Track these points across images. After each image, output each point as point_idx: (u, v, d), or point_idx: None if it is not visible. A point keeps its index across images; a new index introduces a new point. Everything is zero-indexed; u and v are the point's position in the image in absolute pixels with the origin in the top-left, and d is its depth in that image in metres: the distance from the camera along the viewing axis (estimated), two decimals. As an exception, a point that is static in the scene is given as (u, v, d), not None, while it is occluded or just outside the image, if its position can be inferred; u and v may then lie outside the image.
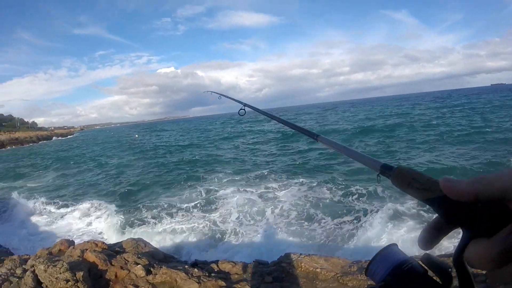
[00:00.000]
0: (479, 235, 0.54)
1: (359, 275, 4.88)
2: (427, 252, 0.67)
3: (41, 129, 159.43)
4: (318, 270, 5.30)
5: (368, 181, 13.02)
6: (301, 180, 14.52)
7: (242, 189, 13.68)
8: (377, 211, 10.22)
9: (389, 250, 0.74)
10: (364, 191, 12.13)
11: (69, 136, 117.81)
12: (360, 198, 11.60)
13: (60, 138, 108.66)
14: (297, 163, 18.74)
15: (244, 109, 2.60)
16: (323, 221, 10.03)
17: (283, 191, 13.15)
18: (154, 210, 12.24)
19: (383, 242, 8.42)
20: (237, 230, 9.79)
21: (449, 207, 0.58)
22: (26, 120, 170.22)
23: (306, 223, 9.96)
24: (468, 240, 0.55)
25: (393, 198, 10.93)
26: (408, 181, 0.69)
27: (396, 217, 9.67)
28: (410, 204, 10.18)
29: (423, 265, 0.68)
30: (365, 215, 10.16)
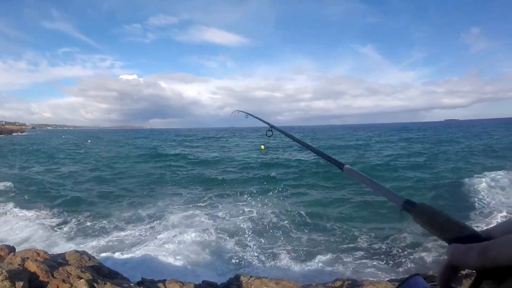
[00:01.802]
0: (491, 277, 0.59)
1: (310, 298, 4.90)
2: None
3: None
4: None
5: (318, 205, 13.30)
6: (249, 199, 14.65)
7: (192, 208, 13.52)
8: (335, 235, 10.47)
9: (414, 280, 0.76)
10: (315, 215, 12.37)
11: (15, 134, 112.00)
12: (313, 220, 11.81)
13: (7, 135, 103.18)
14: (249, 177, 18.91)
15: (271, 131, 2.68)
16: (275, 242, 10.09)
17: (231, 211, 13.14)
18: (100, 223, 11.83)
19: (336, 265, 8.60)
20: (187, 249, 9.60)
21: None
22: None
23: (257, 244, 9.96)
24: (480, 280, 0.61)
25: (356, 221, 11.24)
26: (427, 219, 0.74)
27: (350, 241, 9.94)
28: (366, 229, 10.49)
29: None
30: (320, 237, 10.34)
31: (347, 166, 1.35)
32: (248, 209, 13.53)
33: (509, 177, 18.28)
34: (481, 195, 14.93)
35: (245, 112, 3.56)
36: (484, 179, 17.91)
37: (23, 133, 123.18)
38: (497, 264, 0.56)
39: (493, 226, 0.69)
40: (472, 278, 0.63)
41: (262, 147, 44.01)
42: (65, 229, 11.37)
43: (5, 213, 13.33)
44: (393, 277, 7.71)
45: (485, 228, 0.72)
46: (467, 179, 18.22)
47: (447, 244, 0.69)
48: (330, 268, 8.63)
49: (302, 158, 28.41)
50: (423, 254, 9.39)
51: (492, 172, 20.00)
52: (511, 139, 46.44)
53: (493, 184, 17.00)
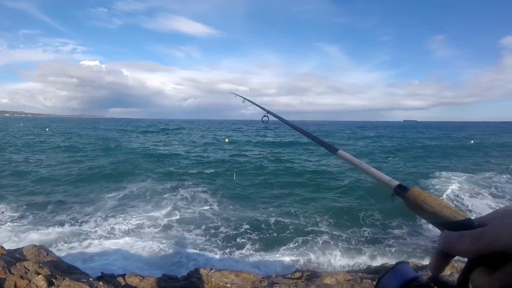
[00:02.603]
0: (483, 264, 0.60)
1: (269, 290, 5.06)
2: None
3: None
4: (229, 285, 5.37)
5: (278, 197, 13.59)
6: (207, 191, 14.82)
7: (152, 200, 13.48)
8: (295, 226, 10.74)
9: (401, 267, 0.79)
10: (276, 208, 12.62)
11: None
12: (273, 213, 12.05)
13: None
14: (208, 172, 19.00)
15: (267, 116, 2.61)
16: (236, 234, 10.28)
17: (190, 203, 13.24)
18: (58, 216, 11.58)
19: (298, 256, 8.87)
20: (147, 242, 9.62)
21: None
22: None
23: (218, 236, 10.11)
24: (472, 268, 0.62)
25: (308, 214, 11.56)
26: (420, 203, 0.73)
27: (309, 233, 10.24)
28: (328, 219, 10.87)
29: (432, 283, 0.72)
30: (280, 230, 10.60)
31: (340, 150, 1.33)
32: (210, 200, 13.67)
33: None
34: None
35: (242, 97, 3.53)
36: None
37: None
38: (493, 249, 0.56)
39: (486, 214, 0.68)
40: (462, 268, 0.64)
41: (226, 140, 44.61)
42: (22, 222, 11.06)
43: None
44: (356, 268, 8.07)
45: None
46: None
47: (439, 231, 0.71)
48: (291, 259, 8.90)
49: (260, 152, 28.82)
50: (391, 241, 9.88)
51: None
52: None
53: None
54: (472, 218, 0.69)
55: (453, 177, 19.43)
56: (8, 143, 38.08)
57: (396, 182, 0.85)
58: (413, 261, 8.45)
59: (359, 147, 38.81)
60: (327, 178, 18.70)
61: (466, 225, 0.66)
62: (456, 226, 0.67)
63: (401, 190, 0.82)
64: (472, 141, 46.76)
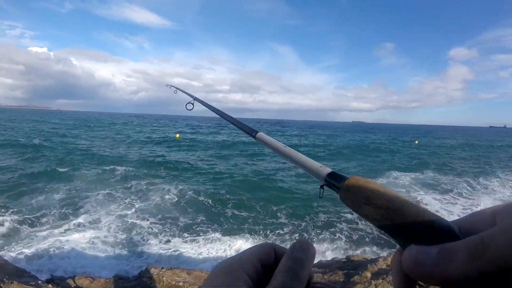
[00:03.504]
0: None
1: (222, 287, 5.22)
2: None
3: None
4: (181, 283, 5.43)
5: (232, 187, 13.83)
6: (162, 185, 14.82)
7: (100, 201, 13.27)
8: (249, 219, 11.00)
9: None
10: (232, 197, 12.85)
11: None
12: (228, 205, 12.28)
13: None
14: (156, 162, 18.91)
15: (192, 103, 2.54)
16: (187, 233, 10.36)
17: (143, 203, 13.18)
18: (2, 217, 11.13)
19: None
20: (96, 243, 9.49)
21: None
22: None
23: (168, 237, 10.15)
24: None
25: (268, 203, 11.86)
26: (366, 195, 0.51)
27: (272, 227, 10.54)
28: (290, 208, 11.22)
29: None
30: (233, 224, 10.81)
31: (260, 133, 1.20)
32: (165, 195, 13.67)
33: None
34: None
35: (175, 87, 3.67)
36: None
37: None
38: (504, 265, 0.35)
39: (464, 216, 0.48)
40: None
41: (177, 135, 43.61)
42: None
43: None
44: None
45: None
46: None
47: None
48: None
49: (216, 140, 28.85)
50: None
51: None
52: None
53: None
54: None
55: (401, 176, 20.70)
56: None
57: (328, 170, 0.66)
58: (360, 252, 9.02)
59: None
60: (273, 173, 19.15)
61: (444, 233, 0.44)
62: (429, 235, 0.44)
63: (334, 179, 0.61)
64: (417, 141, 50.61)
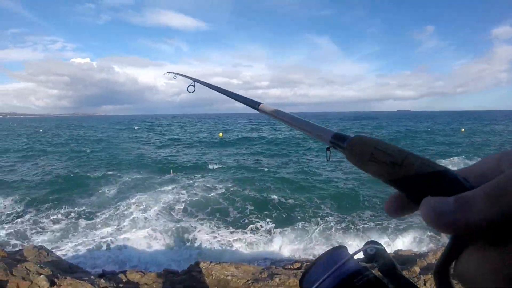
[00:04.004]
0: (481, 242, 0.36)
1: (270, 281, 5.10)
2: (391, 258, 0.53)
3: None
4: (229, 277, 5.40)
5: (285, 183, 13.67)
6: (209, 181, 14.85)
7: (150, 197, 13.49)
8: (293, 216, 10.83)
9: (336, 255, 0.56)
10: (278, 196, 12.69)
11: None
12: (276, 200, 12.13)
13: None
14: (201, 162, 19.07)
15: (194, 85, 2.49)
16: (234, 227, 10.32)
17: (191, 199, 13.23)
18: (58, 216, 11.57)
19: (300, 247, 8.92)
20: (146, 239, 9.64)
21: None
22: None
23: (218, 230, 10.15)
24: (460, 248, 0.38)
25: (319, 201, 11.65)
26: (370, 152, 0.50)
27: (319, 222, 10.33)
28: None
29: (383, 279, 0.52)
30: (280, 218, 10.68)
31: (262, 104, 1.22)
32: (211, 191, 13.72)
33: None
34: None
35: (174, 73, 3.65)
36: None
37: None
38: None
39: (469, 166, 0.45)
40: (444, 250, 0.40)
41: (220, 134, 44.25)
42: (22, 223, 11.07)
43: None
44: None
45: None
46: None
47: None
48: (292, 248, 8.97)
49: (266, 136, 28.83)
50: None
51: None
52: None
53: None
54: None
55: (450, 165, 19.74)
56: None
57: (332, 131, 0.65)
58: (408, 246, 8.59)
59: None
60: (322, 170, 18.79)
61: (453, 183, 0.41)
62: (437, 186, 0.41)
63: (339, 140, 0.60)
64: (463, 129, 48.08)
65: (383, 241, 9.13)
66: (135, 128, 69.37)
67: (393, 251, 7.09)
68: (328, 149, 0.65)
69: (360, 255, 0.56)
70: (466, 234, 0.36)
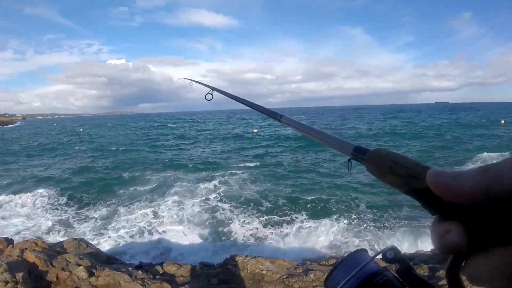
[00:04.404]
0: (490, 240, 0.40)
1: (304, 277, 5.00)
2: (408, 261, 0.56)
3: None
4: (264, 272, 5.35)
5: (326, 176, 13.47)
6: (246, 180, 14.82)
7: (187, 191, 13.63)
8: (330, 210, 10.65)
9: (358, 257, 0.61)
10: (319, 188, 12.51)
11: (9, 126, 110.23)
12: (311, 195, 11.98)
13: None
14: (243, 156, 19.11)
15: (211, 94, 2.55)
16: (271, 222, 10.23)
17: (227, 193, 13.26)
18: (98, 209, 11.92)
19: (335, 244, 8.75)
20: (183, 232, 9.74)
21: (444, 206, 0.44)
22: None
23: (253, 225, 10.11)
24: (462, 257, 0.43)
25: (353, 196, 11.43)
26: (388, 165, 0.54)
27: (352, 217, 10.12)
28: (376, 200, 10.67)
29: (401, 279, 0.56)
30: (314, 214, 10.51)
31: (284, 116, 1.26)
32: (246, 184, 13.72)
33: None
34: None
35: (190, 79, 3.57)
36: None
37: (14, 124, 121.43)
38: (502, 187, 0.38)
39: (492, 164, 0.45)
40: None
41: (255, 130, 44.18)
42: (64, 216, 11.47)
43: (7, 202, 13.41)
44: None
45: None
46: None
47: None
48: (327, 244, 8.81)
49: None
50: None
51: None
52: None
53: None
54: None
55: (490, 159, 18.75)
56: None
57: (353, 144, 0.71)
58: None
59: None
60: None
61: None
62: None
63: (360, 153, 0.66)
64: (503, 121, 45.34)
65: (418, 239, 8.78)
66: (170, 125, 70.57)
67: (429, 249, 6.85)
68: (349, 160, 0.71)
69: (379, 257, 0.59)
70: (457, 203, 0.42)
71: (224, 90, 2.48)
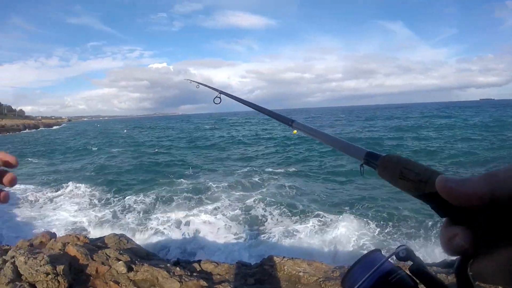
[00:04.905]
0: (495, 242, 0.43)
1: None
2: (420, 259, 0.58)
3: (28, 117, 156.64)
4: (301, 273, 5.27)
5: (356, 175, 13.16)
6: (283, 181, 14.69)
7: (228, 189, 13.68)
8: (361, 213, 10.35)
9: (372, 257, 0.63)
10: (351, 190, 12.21)
11: (55, 127, 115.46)
12: (348, 198, 11.72)
13: (46, 128, 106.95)
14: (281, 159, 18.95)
15: (219, 97, 2.52)
16: (307, 223, 10.04)
17: (266, 191, 13.17)
18: (139, 206, 12.17)
19: (367, 247, 8.48)
20: (221, 230, 9.76)
21: (453, 210, 0.47)
22: (13, 107, 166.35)
23: (289, 225, 9.97)
24: (469, 258, 0.46)
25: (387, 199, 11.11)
26: (399, 170, 0.57)
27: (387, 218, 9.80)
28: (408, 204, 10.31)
29: (413, 277, 0.58)
30: (352, 217, 10.23)
31: (296, 121, 1.30)
32: (283, 190, 13.58)
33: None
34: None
35: (196, 82, 3.48)
36: None
37: (60, 126, 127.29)
38: (508, 192, 0.41)
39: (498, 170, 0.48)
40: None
41: (294, 131, 43.29)
42: (107, 211, 11.85)
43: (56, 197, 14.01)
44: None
45: None
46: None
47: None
48: (362, 248, 8.54)
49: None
50: None
51: None
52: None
53: None
54: None
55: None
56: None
57: (365, 150, 0.74)
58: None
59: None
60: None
61: None
62: None
63: (372, 158, 0.70)
64: None
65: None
66: (207, 127, 71.34)
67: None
68: (361, 165, 0.74)
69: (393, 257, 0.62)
70: (464, 207, 0.45)
71: (233, 94, 2.43)
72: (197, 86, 3.51)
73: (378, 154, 0.68)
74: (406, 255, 0.58)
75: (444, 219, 0.50)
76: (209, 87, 3.02)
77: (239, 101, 2.24)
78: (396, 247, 0.61)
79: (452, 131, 32.62)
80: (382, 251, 0.66)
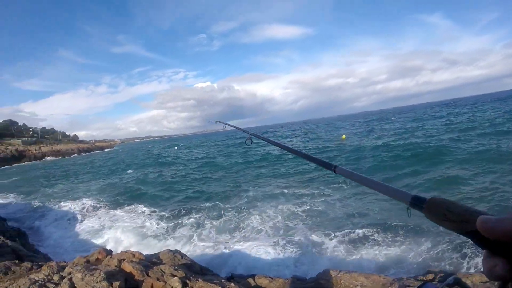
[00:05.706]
0: None
1: (401, 293, 4.63)
2: (467, 285, 0.68)
3: (82, 141, 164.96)
4: (358, 287, 5.07)
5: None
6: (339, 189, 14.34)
7: (282, 203, 13.50)
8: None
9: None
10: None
11: (107, 150, 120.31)
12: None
13: (99, 151, 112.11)
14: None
15: (251, 139, 2.52)
16: (366, 235, 9.62)
17: (320, 204, 12.84)
18: (192, 221, 12.29)
19: (426, 259, 7.98)
20: (276, 244, 9.58)
21: (492, 243, 0.56)
22: (68, 133, 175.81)
23: (347, 237, 9.60)
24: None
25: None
26: (443, 213, 0.66)
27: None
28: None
29: None
30: (415, 229, 9.71)
31: (339, 167, 1.31)
32: (336, 201, 13.23)
33: None
34: None
35: (222, 122, 3.41)
36: None
37: (112, 148, 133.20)
38: None
39: None
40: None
41: (343, 136, 39.43)
42: (161, 228, 12.08)
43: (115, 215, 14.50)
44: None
45: None
46: None
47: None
48: (425, 258, 8.05)
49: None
50: None
51: None
52: None
53: None
54: None
55: None
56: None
57: (410, 194, 0.80)
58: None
59: None
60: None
61: None
62: None
63: (417, 201, 0.76)
64: None
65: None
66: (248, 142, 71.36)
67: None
68: (408, 208, 0.82)
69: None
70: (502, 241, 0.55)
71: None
72: (224, 127, 3.53)
73: (422, 198, 0.75)
74: (453, 282, 0.68)
75: (484, 251, 0.60)
76: (237, 128, 3.04)
77: (270, 143, 2.12)
78: (447, 274, 0.72)
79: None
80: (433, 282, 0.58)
